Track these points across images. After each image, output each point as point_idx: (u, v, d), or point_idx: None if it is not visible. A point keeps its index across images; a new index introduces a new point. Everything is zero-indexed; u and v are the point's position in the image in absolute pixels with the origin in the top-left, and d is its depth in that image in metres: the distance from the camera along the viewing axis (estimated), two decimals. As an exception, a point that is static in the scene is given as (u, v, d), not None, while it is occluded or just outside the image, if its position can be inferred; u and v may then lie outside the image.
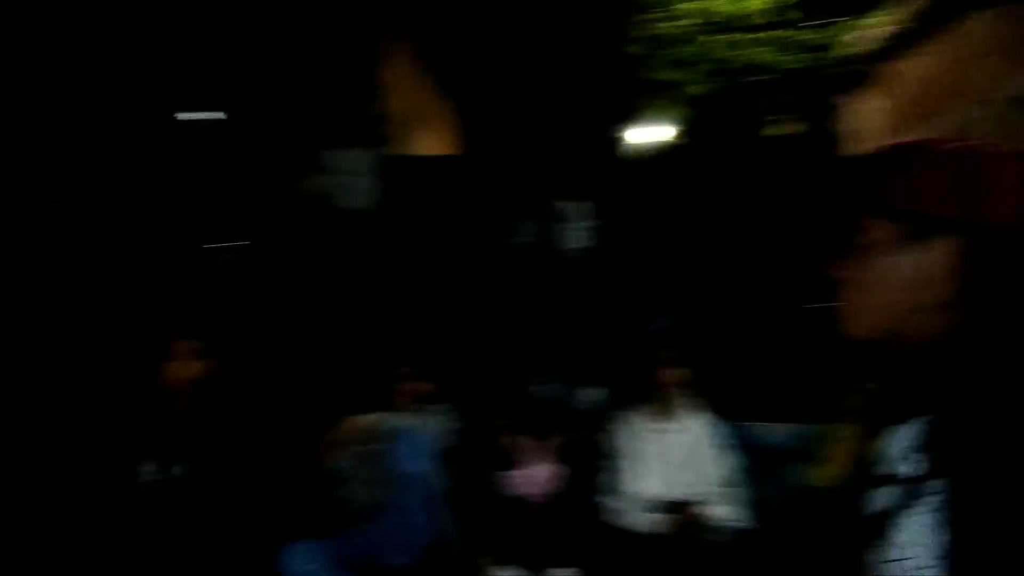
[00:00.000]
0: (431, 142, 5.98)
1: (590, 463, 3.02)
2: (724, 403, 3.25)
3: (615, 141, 6.61)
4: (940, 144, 0.95)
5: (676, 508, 2.77)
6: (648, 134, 9.26)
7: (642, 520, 2.79)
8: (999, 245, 0.91)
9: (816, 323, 4.04)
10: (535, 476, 3.01)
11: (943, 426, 0.87)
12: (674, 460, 2.89)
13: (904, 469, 0.90)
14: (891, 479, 0.92)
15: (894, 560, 0.90)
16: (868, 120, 13.95)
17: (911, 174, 0.93)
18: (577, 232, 4.54)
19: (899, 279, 0.94)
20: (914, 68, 12.50)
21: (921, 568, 0.87)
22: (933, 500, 0.86)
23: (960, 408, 0.86)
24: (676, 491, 2.82)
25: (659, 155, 6.33)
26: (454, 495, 2.99)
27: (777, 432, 3.49)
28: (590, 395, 3.90)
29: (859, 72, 8.04)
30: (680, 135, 7.31)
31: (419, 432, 3.02)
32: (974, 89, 11.41)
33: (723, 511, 2.81)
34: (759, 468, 3.41)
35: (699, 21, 7.29)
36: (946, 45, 11.55)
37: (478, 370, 3.86)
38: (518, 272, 4.38)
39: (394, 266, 4.70)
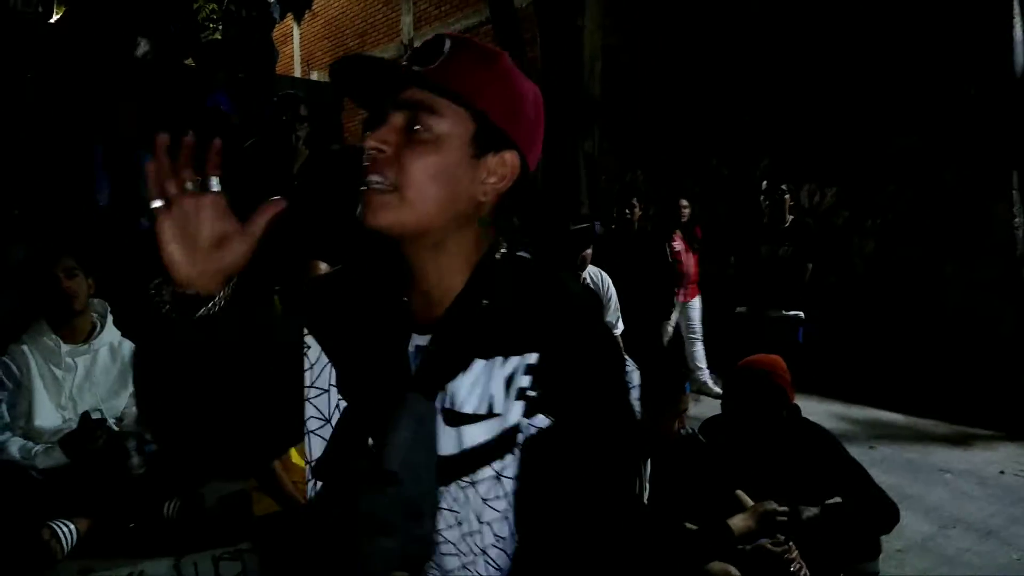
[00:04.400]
0: None
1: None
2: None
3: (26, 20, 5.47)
4: (516, 67, 0.90)
5: (88, 436, 2.52)
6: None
7: (47, 457, 2.46)
8: (526, 184, 0.91)
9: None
10: None
11: (548, 365, 0.83)
12: (84, 383, 2.61)
13: (498, 408, 0.84)
14: (474, 417, 0.85)
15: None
16: (302, 46, 14.44)
17: (495, 77, 0.87)
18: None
19: (457, 180, 0.86)
20: (334, 3, 13.40)
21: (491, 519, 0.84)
22: (527, 442, 0.83)
23: (565, 347, 0.83)
24: (88, 418, 2.56)
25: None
26: None
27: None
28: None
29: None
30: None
31: None
32: (383, 32, 12.78)
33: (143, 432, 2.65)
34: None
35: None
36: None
37: None
38: None
39: None
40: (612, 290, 4.13)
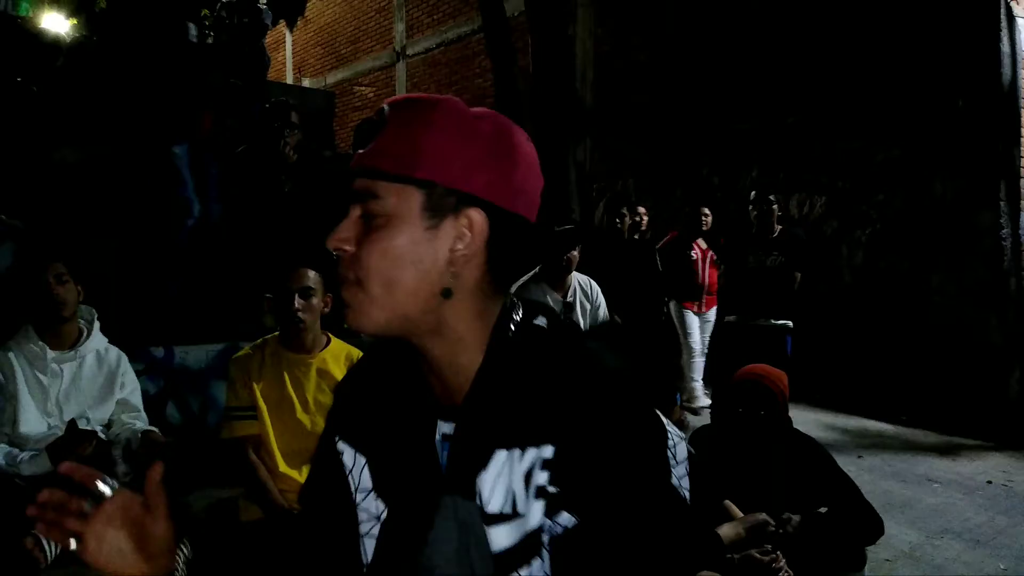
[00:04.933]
0: None
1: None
2: (134, 326, 3.04)
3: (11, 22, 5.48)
4: (463, 108, 0.81)
5: (76, 443, 2.49)
6: (55, 23, 7.96)
7: (32, 464, 2.44)
8: (518, 232, 0.82)
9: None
10: None
11: (566, 457, 0.75)
12: (70, 390, 2.59)
13: (520, 506, 0.77)
14: (499, 517, 0.78)
15: None
16: (294, 53, 14.47)
17: (432, 134, 0.78)
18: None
19: (418, 259, 0.78)
20: (327, 11, 13.43)
21: None
22: (553, 544, 0.76)
23: (584, 436, 0.75)
24: (75, 425, 2.54)
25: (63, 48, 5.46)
26: None
27: (195, 354, 3.45)
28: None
29: (287, 3, 8.26)
30: (89, 29, 6.46)
31: None
32: (376, 40, 12.84)
33: (133, 440, 2.63)
34: (181, 390, 3.34)
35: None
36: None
37: None
38: None
39: None
40: (601, 298, 4.14)
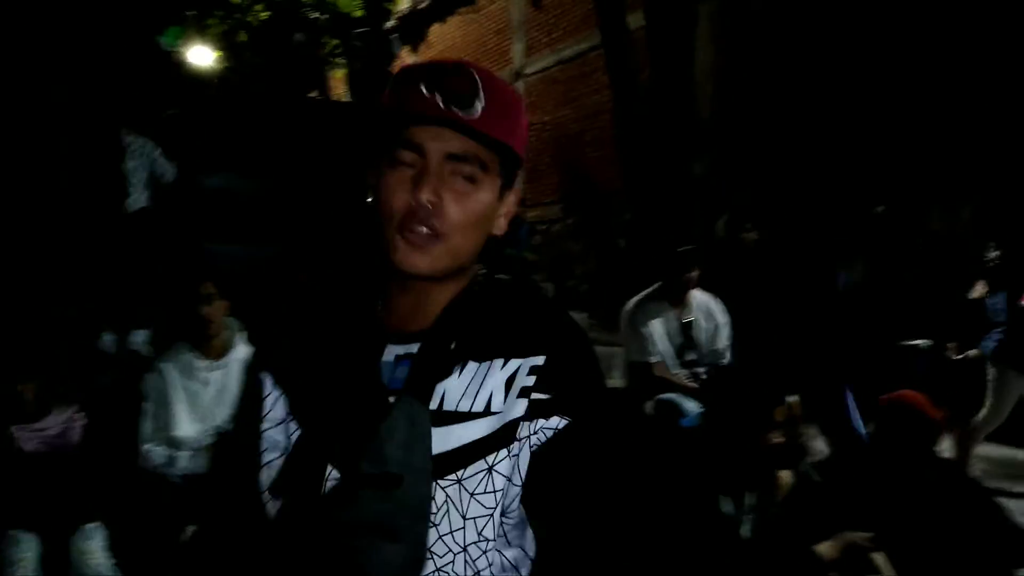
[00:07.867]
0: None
1: (127, 409, 2.77)
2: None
3: (165, 57, 5.98)
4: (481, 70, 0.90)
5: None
6: (201, 55, 8.60)
7: (187, 464, 2.66)
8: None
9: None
10: (52, 428, 2.67)
11: (556, 366, 0.87)
12: (219, 397, 2.81)
13: (496, 406, 0.87)
14: (470, 416, 0.87)
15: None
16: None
17: (523, 118, 0.91)
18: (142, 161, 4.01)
19: (488, 219, 0.90)
20: (448, 34, 13.82)
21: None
22: (544, 443, 0.86)
23: (571, 349, 0.89)
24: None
25: (211, 79, 5.91)
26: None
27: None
28: (132, 337, 3.57)
29: (411, 29, 8.61)
30: (232, 60, 6.96)
31: None
32: (494, 60, 13.04)
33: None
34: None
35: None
36: (471, 17, 12.95)
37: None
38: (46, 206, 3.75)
39: None
40: (724, 318, 4.02)
